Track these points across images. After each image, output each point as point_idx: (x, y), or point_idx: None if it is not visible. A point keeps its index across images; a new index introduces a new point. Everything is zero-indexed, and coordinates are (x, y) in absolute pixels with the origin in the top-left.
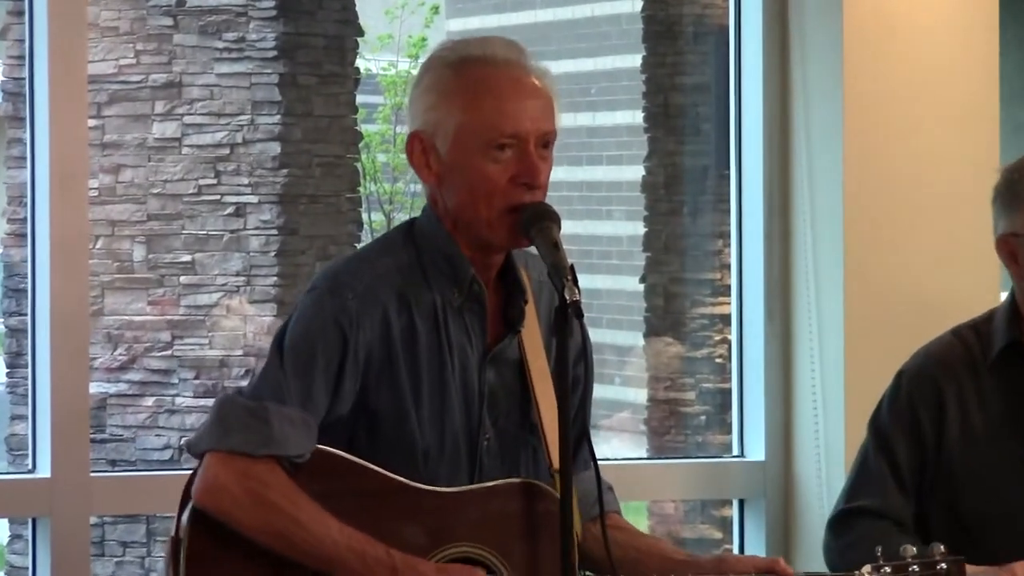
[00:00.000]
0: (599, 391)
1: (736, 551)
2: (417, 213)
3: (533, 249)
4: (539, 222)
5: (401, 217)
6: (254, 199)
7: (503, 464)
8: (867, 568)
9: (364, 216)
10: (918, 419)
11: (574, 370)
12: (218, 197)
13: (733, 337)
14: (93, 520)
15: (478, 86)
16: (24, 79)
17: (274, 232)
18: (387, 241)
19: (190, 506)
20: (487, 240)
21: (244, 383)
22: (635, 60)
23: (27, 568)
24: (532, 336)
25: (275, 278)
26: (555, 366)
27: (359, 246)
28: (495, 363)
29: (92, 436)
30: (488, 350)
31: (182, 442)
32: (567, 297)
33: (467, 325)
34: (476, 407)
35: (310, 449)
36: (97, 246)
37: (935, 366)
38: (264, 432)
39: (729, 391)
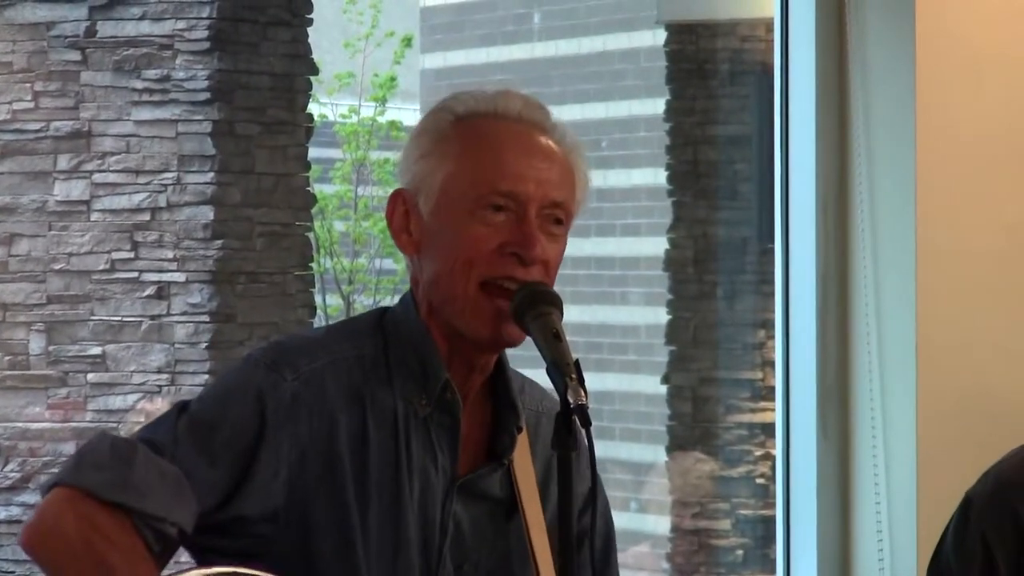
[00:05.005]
0: None
1: None
2: (384, 295)
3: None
4: (535, 307)
5: (363, 300)
6: (180, 277)
7: None
8: None
9: (317, 299)
10: (992, 560)
11: (579, 519)
12: (136, 274)
13: (778, 452)
14: None
15: (478, 138)
16: None
17: (205, 318)
18: (352, 325)
19: None
20: (462, 328)
21: None
22: (657, 106)
23: None
24: (526, 476)
25: (206, 376)
26: (558, 499)
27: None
28: (465, 494)
29: None
30: (458, 476)
31: None
32: (570, 400)
33: (433, 441)
34: (435, 544)
35: (179, 521)
36: None
37: (1011, 490)
38: (121, 473)
39: (773, 519)
